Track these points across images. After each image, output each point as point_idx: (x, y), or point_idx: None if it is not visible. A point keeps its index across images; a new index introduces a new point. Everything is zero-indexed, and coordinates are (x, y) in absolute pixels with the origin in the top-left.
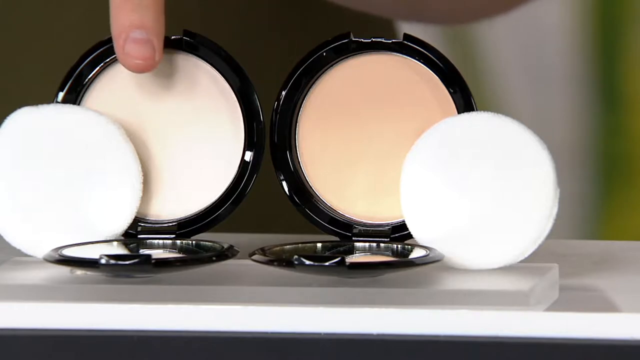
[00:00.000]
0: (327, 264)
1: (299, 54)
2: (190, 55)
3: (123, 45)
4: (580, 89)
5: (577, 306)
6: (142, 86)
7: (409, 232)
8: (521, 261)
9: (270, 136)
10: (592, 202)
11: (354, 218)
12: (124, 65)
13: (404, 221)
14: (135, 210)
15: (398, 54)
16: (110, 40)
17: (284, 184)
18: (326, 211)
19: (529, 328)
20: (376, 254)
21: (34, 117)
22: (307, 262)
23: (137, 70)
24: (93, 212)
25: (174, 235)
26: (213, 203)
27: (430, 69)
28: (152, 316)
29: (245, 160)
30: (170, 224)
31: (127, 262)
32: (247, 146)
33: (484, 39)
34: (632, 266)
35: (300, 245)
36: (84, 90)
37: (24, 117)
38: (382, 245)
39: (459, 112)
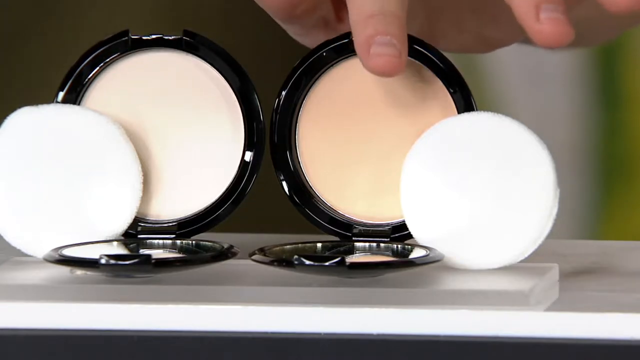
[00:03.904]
0: (327, 264)
1: (299, 54)
2: (190, 55)
3: (368, 50)
4: (580, 89)
5: (577, 306)
6: (142, 86)
7: (409, 232)
8: (521, 261)
9: (270, 136)
10: (592, 202)
11: (354, 218)
12: (370, 69)
13: (404, 221)
14: (135, 210)
15: None
16: (110, 40)
17: (284, 184)
18: (326, 211)
19: (529, 328)
20: (376, 254)
21: (34, 117)
22: (307, 262)
23: (384, 70)
24: (93, 212)
25: (174, 235)
26: (213, 203)
27: (430, 69)
28: (152, 316)
29: (245, 160)
30: (170, 224)
31: (127, 262)
32: (247, 146)
33: None
34: (632, 266)
35: (300, 245)
36: (84, 90)
37: (24, 117)
38: (382, 245)
39: (459, 112)
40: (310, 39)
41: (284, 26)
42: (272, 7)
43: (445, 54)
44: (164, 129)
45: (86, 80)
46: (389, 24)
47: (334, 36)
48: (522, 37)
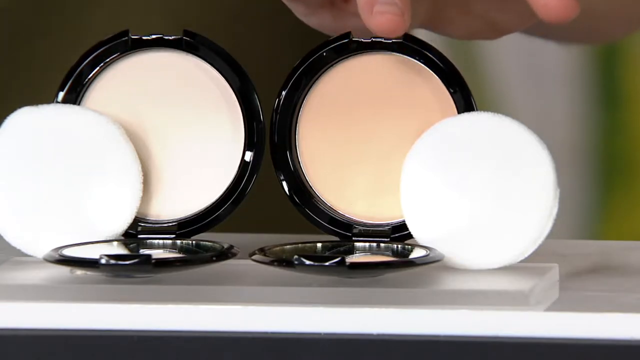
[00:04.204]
0: (327, 264)
1: (299, 54)
2: (190, 55)
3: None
4: (580, 89)
5: (577, 306)
6: (142, 86)
7: (409, 232)
8: (521, 261)
9: (270, 136)
10: (592, 202)
11: (354, 218)
12: (373, 27)
13: (404, 221)
14: (135, 210)
15: (398, 54)
16: (110, 40)
17: (284, 184)
18: (326, 211)
19: (529, 328)
20: (376, 254)
21: (34, 117)
22: (307, 262)
23: (387, 26)
24: (93, 212)
25: (174, 235)
26: (213, 203)
27: (430, 69)
28: (152, 316)
29: (245, 160)
30: (170, 224)
31: (127, 262)
32: (247, 146)
33: None
34: (632, 266)
35: (300, 245)
36: (84, 90)
37: (24, 117)
38: (382, 245)
39: (459, 112)
40: (316, 19)
41: (290, 5)
42: None
43: (446, 54)
44: (164, 129)
45: (86, 80)
46: None
47: (340, 16)
48: (530, 22)
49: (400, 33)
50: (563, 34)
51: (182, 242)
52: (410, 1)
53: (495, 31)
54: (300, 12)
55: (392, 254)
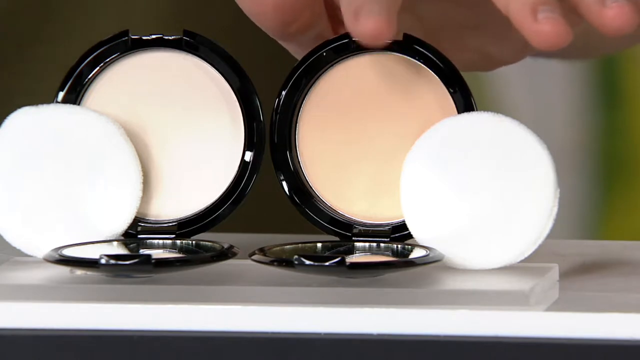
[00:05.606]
0: (327, 264)
1: None
2: (190, 55)
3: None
4: (580, 89)
5: (577, 306)
6: (142, 86)
7: (409, 232)
8: (521, 261)
9: (270, 136)
10: (592, 202)
11: (354, 218)
12: (357, 34)
13: (404, 221)
14: (135, 210)
15: (398, 54)
16: (110, 40)
17: (284, 184)
18: (326, 211)
19: (529, 328)
20: (376, 254)
21: (34, 117)
22: (307, 262)
23: (371, 31)
24: (93, 212)
25: (174, 235)
26: (213, 203)
27: (430, 69)
28: (152, 316)
29: (245, 160)
30: (170, 224)
31: (127, 262)
32: (247, 146)
33: None
34: (632, 266)
35: (300, 245)
36: (84, 90)
37: (24, 117)
38: (382, 245)
39: (459, 112)
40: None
41: (283, 44)
42: (265, 26)
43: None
44: (164, 129)
45: (86, 80)
46: (377, 3)
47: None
48: (525, 54)
49: (385, 39)
50: (561, 53)
51: (182, 242)
52: (396, 11)
53: (491, 63)
54: (292, 50)
55: (392, 254)
